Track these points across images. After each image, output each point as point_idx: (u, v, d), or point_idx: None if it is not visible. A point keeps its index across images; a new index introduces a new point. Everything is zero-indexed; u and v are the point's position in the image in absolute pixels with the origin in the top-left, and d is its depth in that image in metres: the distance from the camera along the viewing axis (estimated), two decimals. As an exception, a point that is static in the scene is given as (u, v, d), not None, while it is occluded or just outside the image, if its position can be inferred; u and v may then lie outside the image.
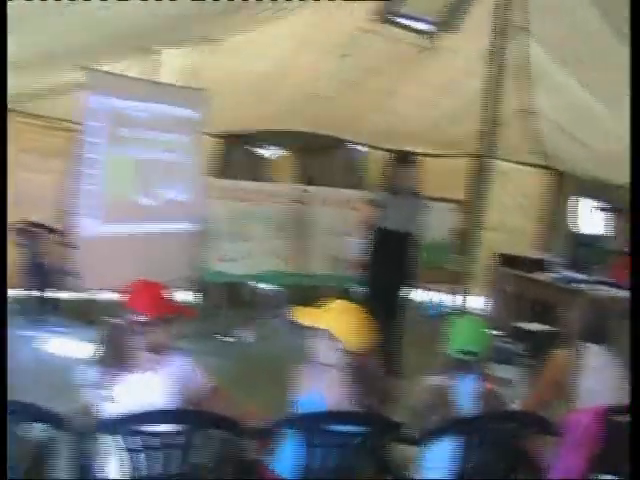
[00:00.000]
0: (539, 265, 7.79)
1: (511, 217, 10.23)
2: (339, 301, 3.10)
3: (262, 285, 8.67)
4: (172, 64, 6.56)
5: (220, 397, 3.11)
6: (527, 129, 8.15)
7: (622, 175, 8.83)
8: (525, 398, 3.43)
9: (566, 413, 3.25)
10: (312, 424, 2.75)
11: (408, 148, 9.04)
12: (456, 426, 2.85)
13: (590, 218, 9.59)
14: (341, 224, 7.93)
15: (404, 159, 6.38)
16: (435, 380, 3.16)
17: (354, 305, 3.06)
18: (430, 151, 9.41)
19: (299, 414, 2.90)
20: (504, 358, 5.50)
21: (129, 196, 6.67)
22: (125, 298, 2.98)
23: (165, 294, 3.04)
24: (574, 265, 7.43)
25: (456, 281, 9.07)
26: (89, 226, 6.30)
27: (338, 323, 2.97)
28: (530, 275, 7.66)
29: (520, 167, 9.97)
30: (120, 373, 2.84)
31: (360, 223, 6.28)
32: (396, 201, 6.08)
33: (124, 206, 6.61)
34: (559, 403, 3.59)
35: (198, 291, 8.41)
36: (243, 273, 7.63)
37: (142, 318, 2.90)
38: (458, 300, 9.49)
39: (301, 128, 8.79)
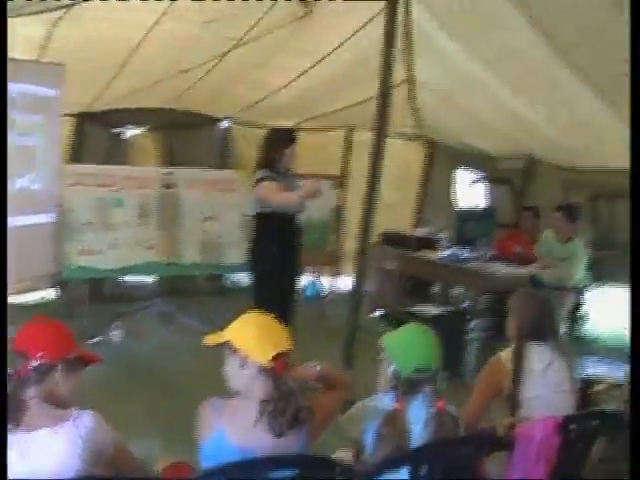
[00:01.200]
0: (424, 243, 7.49)
1: (388, 192, 9.97)
2: (247, 314, 2.69)
3: (126, 278, 8.00)
4: (18, 35, 5.71)
5: (126, 455, 2.58)
6: (408, 100, 7.80)
7: (503, 145, 8.84)
8: (461, 406, 2.98)
9: (514, 424, 2.89)
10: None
11: (279, 123, 8.59)
12: (412, 457, 2.40)
13: (470, 191, 9.44)
14: (210, 207, 7.37)
15: (288, 136, 5.84)
16: (380, 403, 2.71)
17: (264, 314, 2.68)
18: (302, 125, 8.98)
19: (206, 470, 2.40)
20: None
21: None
22: (14, 340, 2.45)
23: (64, 333, 2.56)
24: (459, 241, 7.15)
25: (335, 262, 8.76)
26: None
27: (240, 332, 2.57)
28: (415, 254, 7.36)
29: (397, 140, 9.70)
30: (11, 431, 2.28)
31: (255, 203, 5.66)
32: (283, 180, 5.60)
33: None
34: (501, 410, 3.25)
35: (55, 288, 7.69)
36: (109, 267, 6.89)
37: (36, 363, 2.40)
38: (338, 282, 9.25)
39: (162, 105, 8.11)
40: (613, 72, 5.65)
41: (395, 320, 7.41)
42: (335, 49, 6.73)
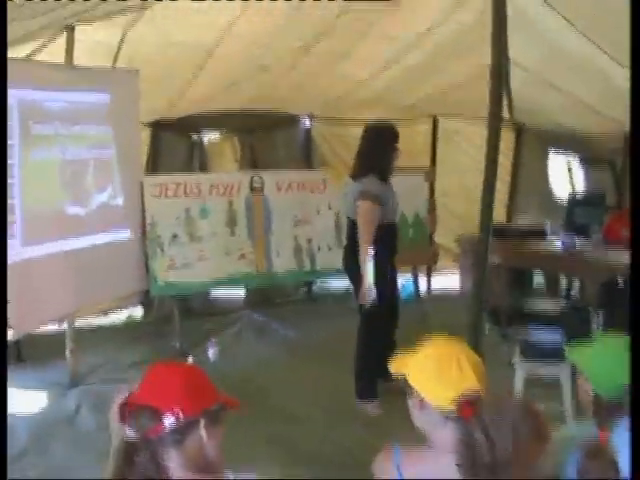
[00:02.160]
0: (529, 233, 6.92)
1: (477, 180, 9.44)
2: (431, 342, 2.18)
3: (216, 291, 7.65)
4: (88, 42, 5.40)
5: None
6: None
7: (601, 124, 8.20)
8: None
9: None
10: None
11: (362, 117, 8.13)
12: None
13: (567, 175, 8.82)
14: (300, 210, 6.96)
15: (394, 133, 5.22)
16: (579, 432, 2.23)
17: (456, 343, 2.16)
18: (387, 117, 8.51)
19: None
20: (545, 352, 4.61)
21: (53, 206, 5.26)
22: (138, 393, 1.94)
23: (200, 378, 2.03)
24: (571, 229, 6.59)
25: (432, 259, 8.25)
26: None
27: (417, 368, 2.09)
28: (522, 245, 6.80)
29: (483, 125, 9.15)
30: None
31: (362, 222, 5.04)
32: (386, 188, 5.13)
33: (48, 220, 5.17)
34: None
35: (142, 306, 7.41)
36: (199, 281, 6.49)
37: (172, 421, 1.86)
38: (431, 282, 8.74)
39: (240, 106, 7.72)
40: None
41: (509, 318, 6.91)
42: (422, 34, 6.24)
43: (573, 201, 6.66)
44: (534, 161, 9.29)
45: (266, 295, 8.04)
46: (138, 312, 7.67)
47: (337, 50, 6.46)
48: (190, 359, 6.27)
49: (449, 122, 9.03)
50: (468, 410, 1.95)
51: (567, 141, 8.74)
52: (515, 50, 6.59)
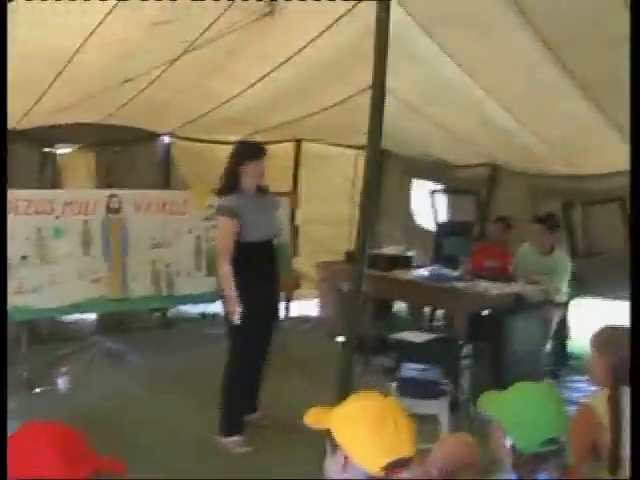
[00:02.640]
0: (394, 261, 6.86)
1: (340, 207, 9.38)
2: (360, 396, 1.97)
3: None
4: None
5: None
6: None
7: (466, 154, 8.32)
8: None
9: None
10: None
11: (226, 137, 7.89)
12: None
13: (429, 203, 8.89)
14: (159, 233, 6.60)
15: (258, 151, 5.11)
16: None
17: (385, 401, 1.95)
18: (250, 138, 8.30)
19: None
20: (422, 389, 4.48)
21: None
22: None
23: (75, 441, 1.69)
24: (439, 259, 6.58)
25: (296, 287, 8.07)
26: None
27: (346, 426, 1.87)
28: (387, 274, 6.73)
29: (345, 150, 9.12)
30: None
31: (218, 236, 5.01)
32: (252, 205, 4.93)
33: None
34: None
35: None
36: (50, 306, 5.96)
37: None
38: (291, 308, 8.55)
39: (98, 119, 7.28)
40: (601, 74, 5.29)
41: (367, 347, 6.81)
42: (295, 53, 6.08)
43: (441, 231, 6.64)
44: (397, 189, 9.34)
45: (119, 319, 7.61)
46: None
47: (206, 65, 6.18)
48: (37, 390, 5.78)
49: (313, 146, 8.94)
50: (400, 471, 1.75)
51: (431, 170, 8.84)
52: (392, 77, 6.58)
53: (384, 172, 9.47)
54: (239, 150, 5.10)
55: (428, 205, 8.95)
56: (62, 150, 7.48)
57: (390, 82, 6.57)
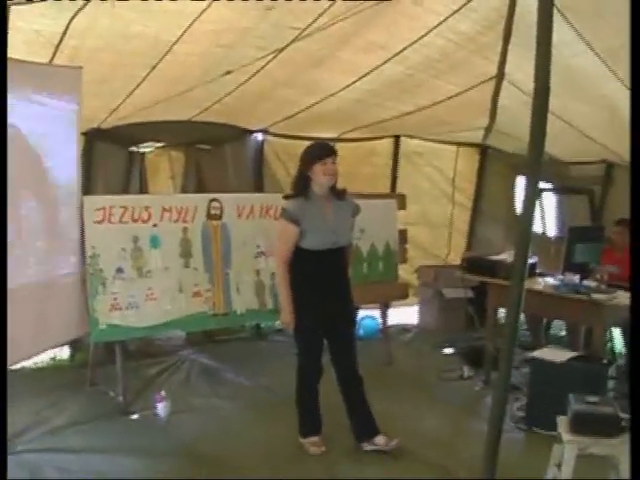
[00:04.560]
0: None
1: (439, 207, 8.74)
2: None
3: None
4: (26, 31, 4.32)
5: None
6: (485, 100, 6.52)
7: (579, 150, 7.56)
8: None
9: None
10: None
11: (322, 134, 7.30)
12: None
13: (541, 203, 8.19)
14: (263, 240, 6.00)
15: (326, 150, 4.66)
16: None
17: None
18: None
19: None
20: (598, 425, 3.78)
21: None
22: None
23: None
24: (570, 266, 5.84)
25: (403, 295, 7.40)
26: None
27: None
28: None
29: (446, 146, 8.47)
30: None
31: (276, 240, 4.80)
32: (319, 209, 4.63)
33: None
34: None
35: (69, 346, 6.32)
36: (147, 324, 5.35)
37: None
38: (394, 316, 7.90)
39: (189, 116, 6.72)
40: None
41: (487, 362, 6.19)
42: (411, 44, 5.43)
43: (573, 236, 5.89)
44: (500, 187, 8.65)
45: (209, 331, 7.02)
46: (64, 352, 6.55)
47: (313, 55, 5.55)
48: (135, 416, 5.26)
49: (411, 142, 8.28)
50: None
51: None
52: (511, 66, 5.91)
53: (486, 170, 8.82)
54: (306, 151, 4.72)
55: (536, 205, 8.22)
56: (149, 149, 6.91)
57: (512, 73, 6.02)
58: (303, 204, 4.57)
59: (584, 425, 3.78)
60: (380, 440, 4.73)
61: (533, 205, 3.47)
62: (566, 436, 3.79)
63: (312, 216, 4.56)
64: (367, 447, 4.74)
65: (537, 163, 3.37)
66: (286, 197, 4.75)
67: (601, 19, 4.75)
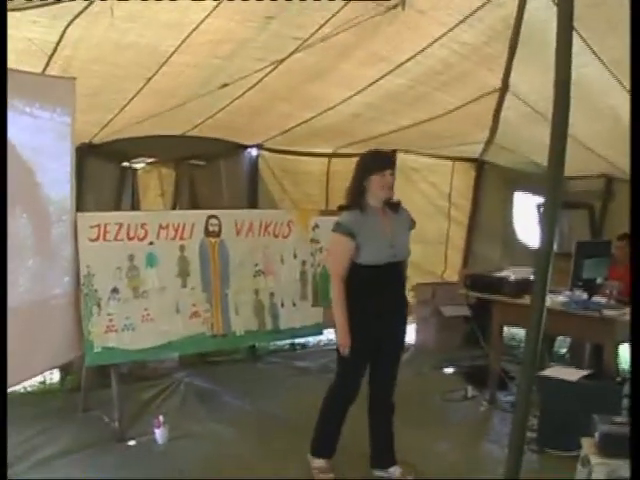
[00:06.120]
0: (525, 286, 5.96)
1: (435, 224, 8.58)
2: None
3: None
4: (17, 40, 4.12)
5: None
6: (487, 113, 6.38)
7: (579, 163, 7.40)
8: None
9: None
10: None
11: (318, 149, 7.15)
12: None
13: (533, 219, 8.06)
14: (262, 258, 5.81)
15: (383, 161, 4.45)
16: None
17: None
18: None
19: None
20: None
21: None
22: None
23: None
24: (578, 282, 5.69)
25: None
26: None
27: None
28: (518, 300, 5.82)
29: (442, 161, 8.33)
30: None
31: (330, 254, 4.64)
32: (375, 222, 4.36)
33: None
34: None
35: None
36: (144, 346, 5.14)
37: None
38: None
39: (182, 131, 6.53)
40: None
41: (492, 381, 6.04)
42: (414, 55, 5.28)
43: (581, 251, 5.73)
44: (496, 202, 8.51)
45: (203, 352, 6.79)
46: (54, 376, 6.30)
47: (313, 67, 5.39)
48: (132, 443, 5.02)
49: (407, 157, 8.12)
50: None
51: (532, 180, 7.98)
52: (516, 77, 5.77)
53: (481, 184, 8.69)
54: (364, 161, 4.48)
55: (533, 220, 8.09)
56: (140, 165, 6.71)
57: (516, 84, 5.89)
58: (358, 216, 4.33)
59: (613, 447, 3.61)
60: (395, 471, 4.52)
61: (553, 225, 3.27)
62: (594, 458, 3.62)
63: (369, 229, 4.32)
64: (379, 473, 4.54)
65: (558, 182, 3.19)
66: (340, 208, 4.50)
67: (612, 30, 4.62)
